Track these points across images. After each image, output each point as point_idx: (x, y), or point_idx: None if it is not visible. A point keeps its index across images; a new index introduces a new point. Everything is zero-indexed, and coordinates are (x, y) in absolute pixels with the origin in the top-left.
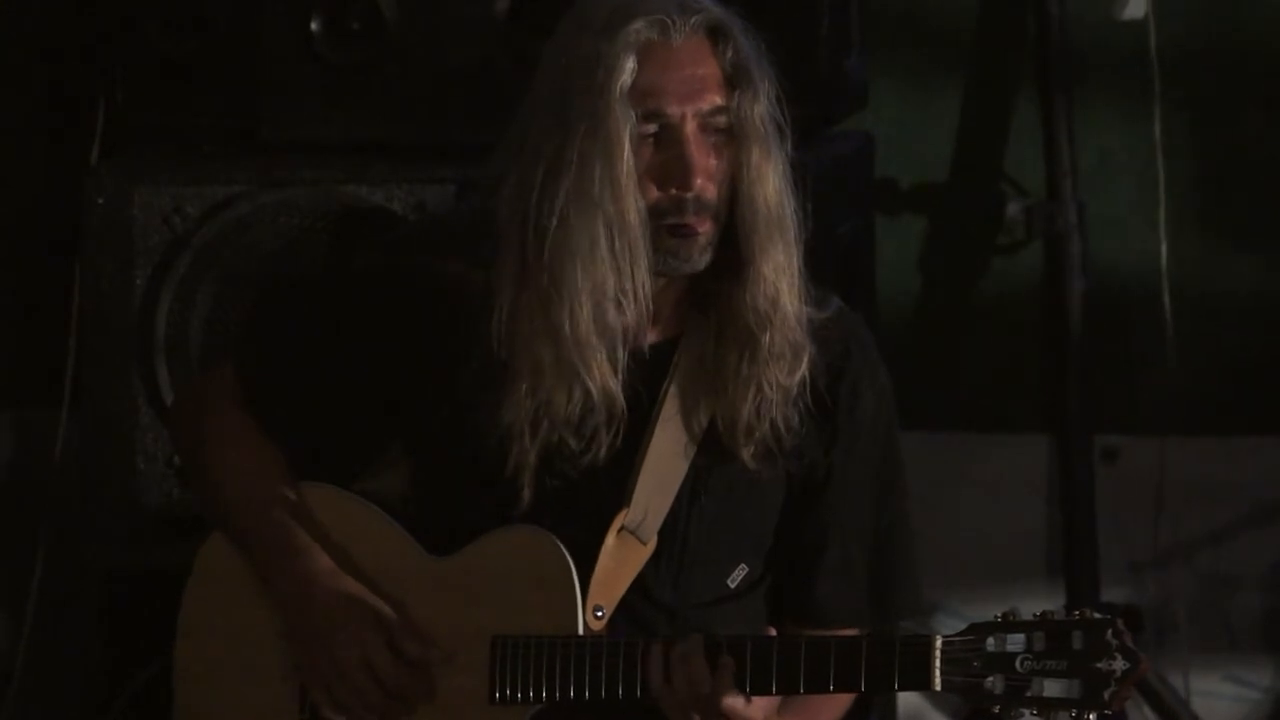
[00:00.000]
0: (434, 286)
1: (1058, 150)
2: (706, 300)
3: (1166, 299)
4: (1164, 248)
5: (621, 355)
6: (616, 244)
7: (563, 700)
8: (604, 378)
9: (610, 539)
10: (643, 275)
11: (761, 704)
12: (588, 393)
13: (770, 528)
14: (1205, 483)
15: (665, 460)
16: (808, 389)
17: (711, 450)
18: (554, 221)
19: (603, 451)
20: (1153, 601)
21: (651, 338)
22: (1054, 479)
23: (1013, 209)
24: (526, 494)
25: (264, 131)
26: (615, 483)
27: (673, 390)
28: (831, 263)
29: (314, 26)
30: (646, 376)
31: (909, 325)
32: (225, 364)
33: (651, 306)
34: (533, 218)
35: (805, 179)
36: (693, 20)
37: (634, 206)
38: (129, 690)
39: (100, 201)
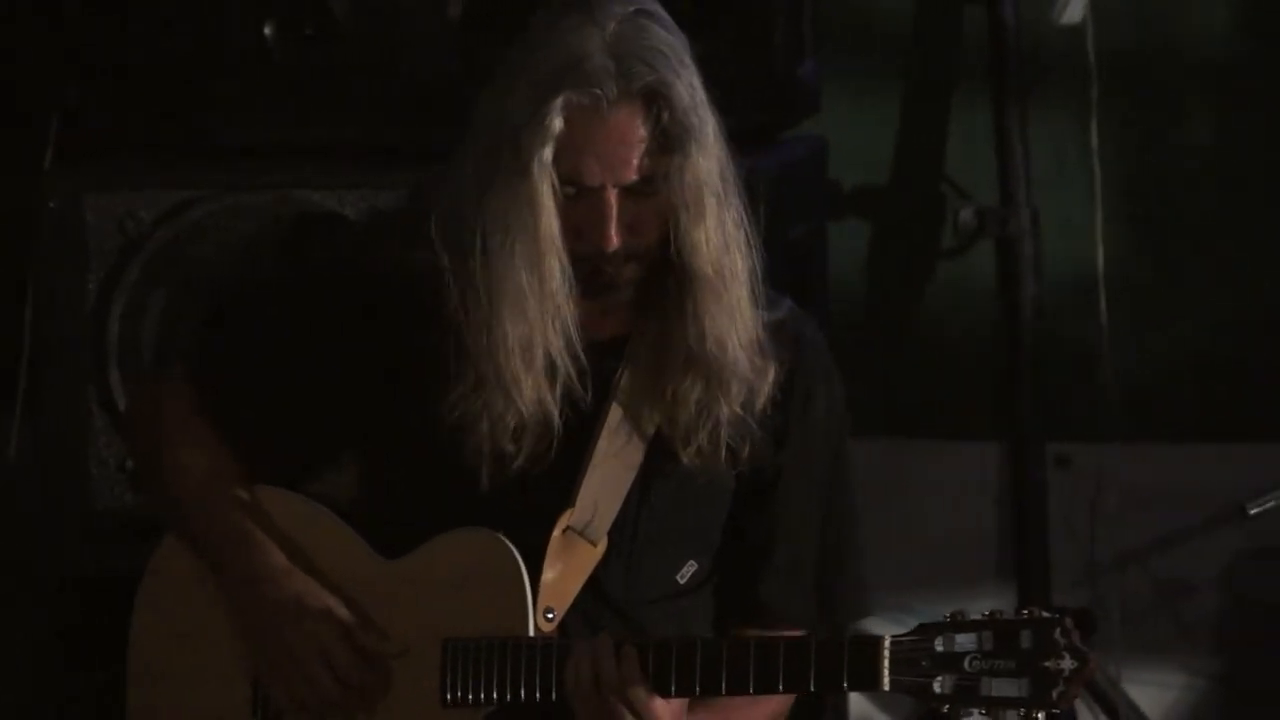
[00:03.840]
0: (384, 286)
1: (1010, 154)
2: (656, 300)
3: (1103, 304)
4: (1100, 253)
5: (562, 370)
6: (540, 296)
7: (514, 702)
8: (536, 400)
9: (554, 539)
10: (566, 319)
11: (671, 703)
12: (520, 413)
13: (719, 525)
14: (1156, 488)
15: (613, 459)
16: (779, 369)
17: (661, 448)
18: (484, 263)
19: (540, 462)
20: (1104, 605)
21: (599, 335)
22: (1006, 484)
23: (965, 213)
24: (474, 495)
25: (217, 136)
26: (561, 483)
27: (621, 389)
28: (784, 268)
29: (268, 31)
30: (593, 374)
31: (861, 331)
32: (179, 367)
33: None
34: (467, 252)
35: (758, 185)
36: (627, 87)
37: (555, 265)
38: (83, 694)
39: (53, 206)
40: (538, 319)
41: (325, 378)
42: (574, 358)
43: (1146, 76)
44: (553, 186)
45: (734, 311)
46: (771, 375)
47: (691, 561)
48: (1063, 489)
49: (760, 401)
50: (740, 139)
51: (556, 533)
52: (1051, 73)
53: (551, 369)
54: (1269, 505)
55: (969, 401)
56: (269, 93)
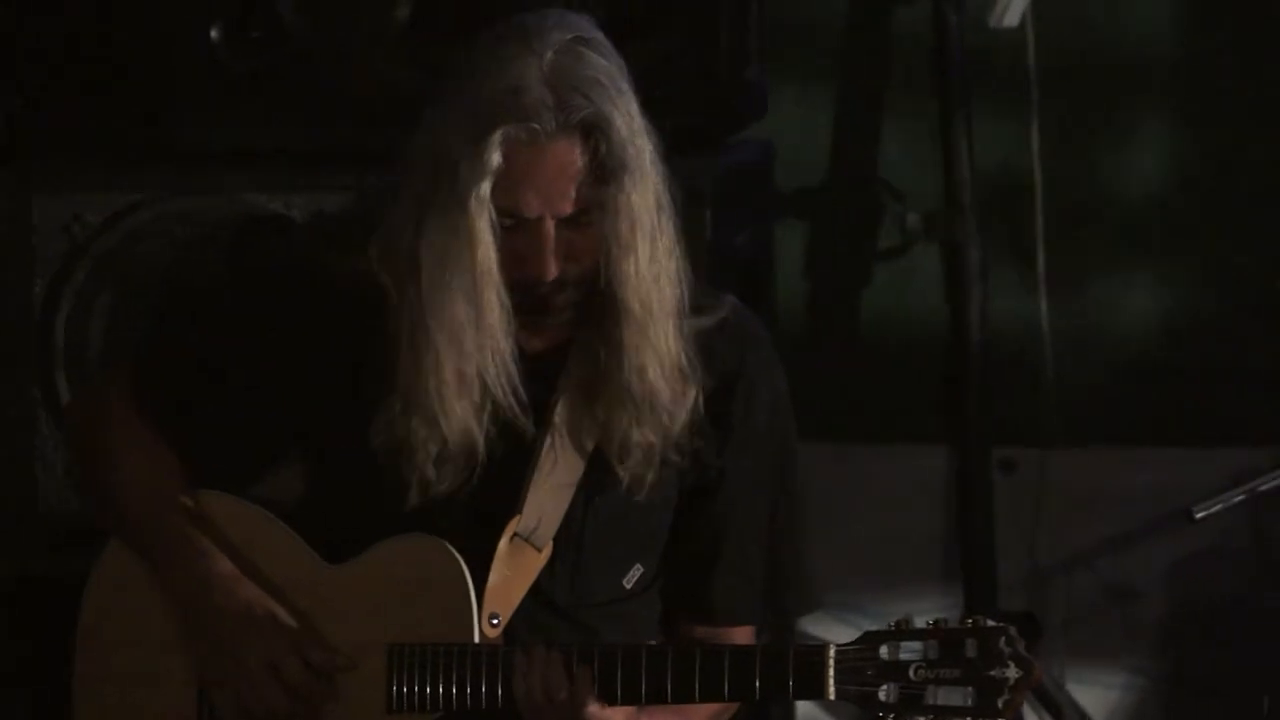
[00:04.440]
0: (328, 295)
1: (954, 158)
2: (591, 319)
3: (1045, 308)
4: (1042, 257)
5: (500, 400)
6: (478, 328)
7: (459, 709)
8: (463, 430)
9: (502, 546)
10: (504, 351)
11: (620, 711)
12: (444, 441)
13: (664, 528)
14: (1101, 491)
15: (557, 466)
16: (700, 393)
17: (601, 462)
18: (421, 293)
19: (465, 486)
20: (1050, 608)
21: (541, 343)
22: (951, 488)
23: (910, 217)
24: (418, 501)
25: (164, 139)
26: (507, 490)
27: (563, 399)
28: (731, 272)
29: (214, 34)
30: (536, 383)
31: (807, 335)
32: (124, 370)
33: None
34: (405, 278)
35: (704, 189)
36: (565, 120)
37: (493, 299)
38: (28, 699)
39: None
40: (474, 351)
41: (269, 382)
42: (512, 389)
43: (1086, 79)
44: (490, 219)
45: (658, 343)
46: (692, 396)
47: (637, 565)
48: (1008, 492)
49: (680, 423)
50: (687, 143)
51: (504, 539)
52: (992, 76)
53: (485, 399)
54: (1214, 508)
55: (914, 405)
56: (216, 96)
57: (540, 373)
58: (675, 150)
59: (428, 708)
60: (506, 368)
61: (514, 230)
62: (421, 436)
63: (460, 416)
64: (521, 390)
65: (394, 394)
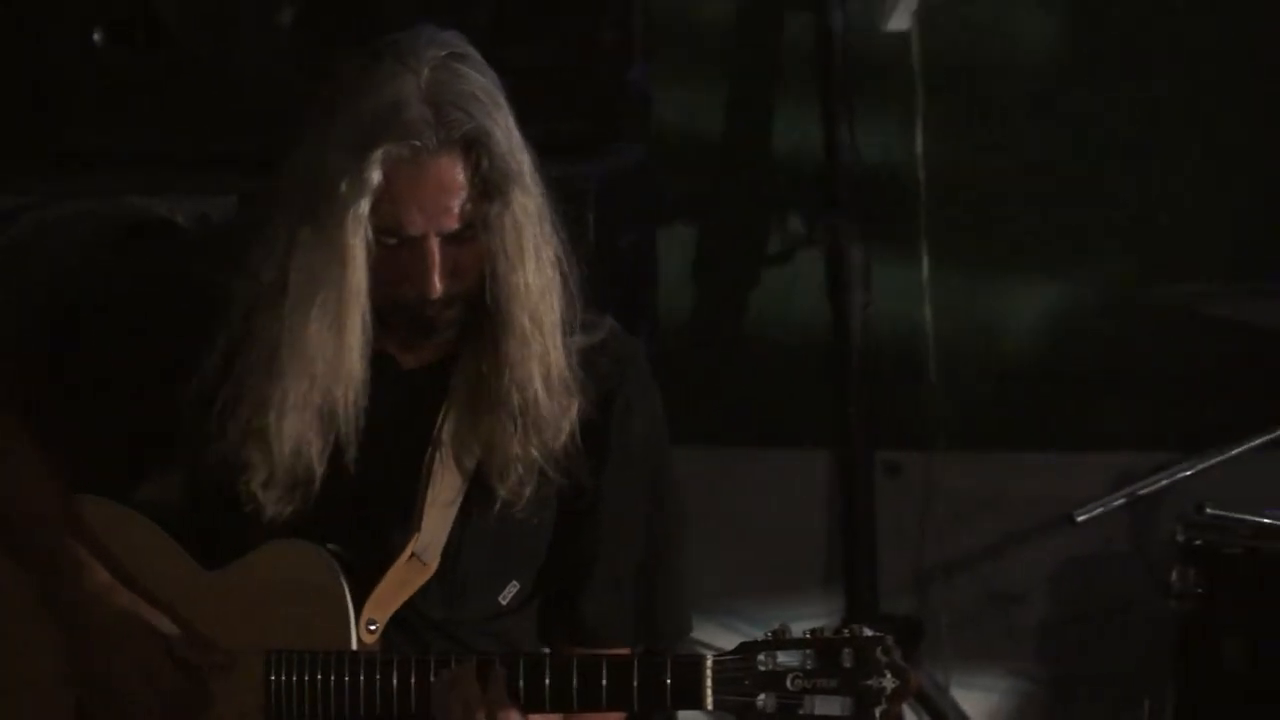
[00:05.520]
0: (205, 300)
1: (838, 161)
2: (475, 334)
3: (929, 312)
4: (925, 260)
5: (345, 419)
6: (336, 350)
7: (337, 714)
8: (295, 449)
9: (401, 562)
10: (357, 381)
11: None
12: (272, 469)
13: (542, 546)
14: (984, 496)
15: (445, 482)
16: (577, 415)
17: (481, 480)
18: (284, 313)
19: (302, 510)
20: (932, 611)
21: (423, 360)
22: (836, 491)
23: (794, 221)
24: (291, 512)
25: (47, 143)
26: (402, 505)
27: (448, 415)
28: (613, 276)
29: (97, 37)
30: (420, 400)
31: (690, 338)
32: (2, 373)
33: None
34: (265, 301)
35: (587, 192)
36: (446, 136)
37: (357, 322)
38: None
39: None
40: (327, 374)
41: (145, 390)
42: (356, 417)
43: (971, 83)
44: (367, 239)
45: (542, 356)
46: (576, 411)
47: (514, 582)
48: (892, 496)
49: (564, 438)
50: (570, 146)
51: (404, 555)
52: (878, 80)
53: (330, 427)
54: (1096, 512)
55: (799, 408)
56: (99, 99)
57: (425, 389)
58: (558, 154)
59: (305, 713)
60: (360, 392)
61: (397, 249)
62: (249, 459)
63: (294, 439)
64: (393, 406)
65: (234, 413)
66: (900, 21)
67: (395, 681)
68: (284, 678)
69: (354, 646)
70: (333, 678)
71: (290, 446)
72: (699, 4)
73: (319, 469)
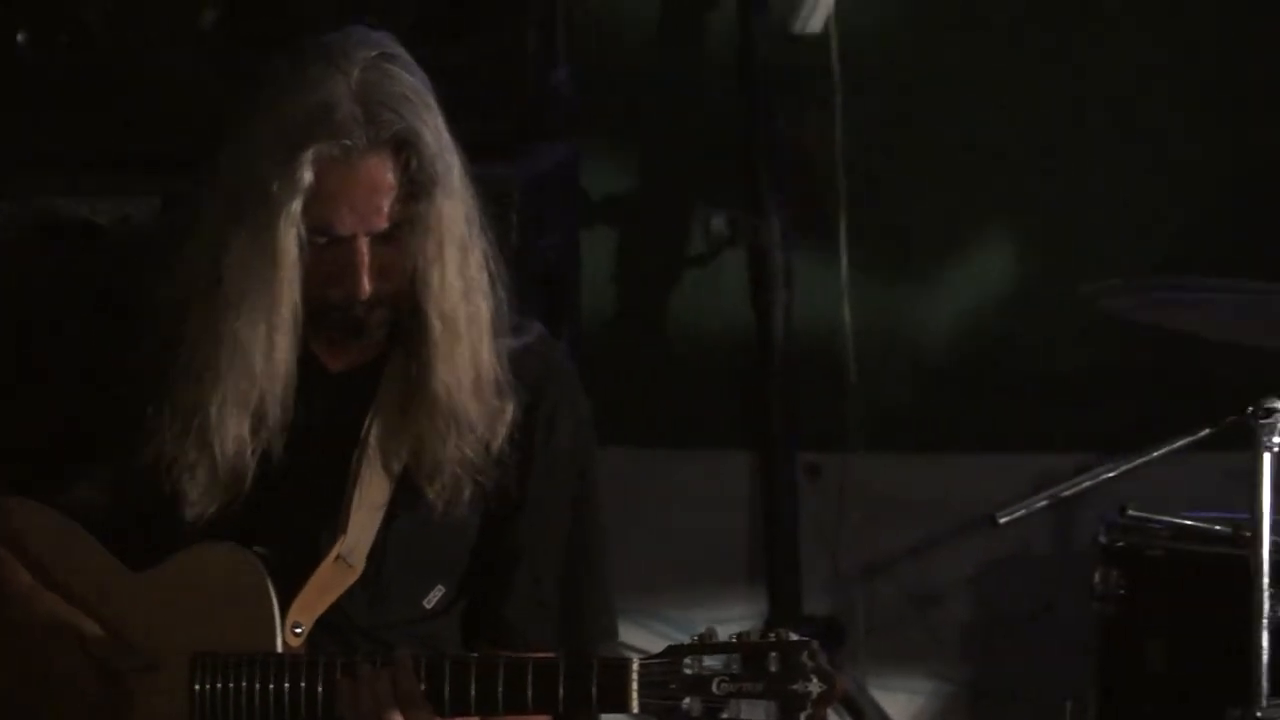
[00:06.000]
0: (128, 301)
1: (759, 163)
2: (404, 336)
3: (848, 315)
4: (845, 262)
5: (274, 419)
6: (267, 349)
7: (263, 718)
8: (234, 455)
9: (327, 565)
10: (288, 372)
11: None
12: (214, 469)
13: (467, 550)
14: (905, 497)
15: (372, 485)
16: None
17: (409, 483)
18: (216, 313)
19: (232, 512)
20: (853, 612)
21: (351, 362)
22: (757, 493)
23: (716, 222)
24: (204, 517)
25: None
26: (328, 508)
27: (376, 418)
28: (537, 277)
29: (20, 39)
30: (348, 402)
31: (613, 339)
32: None
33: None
34: (199, 302)
35: (511, 194)
36: (376, 135)
37: (288, 316)
38: None
39: None
40: (261, 374)
41: (66, 392)
42: (283, 417)
43: (888, 84)
44: (299, 238)
45: (469, 357)
46: (510, 413)
47: (439, 586)
48: (813, 498)
49: (499, 440)
50: (493, 148)
51: (329, 558)
52: (797, 82)
53: (274, 422)
54: (1018, 514)
55: (720, 410)
56: (22, 100)
57: (353, 392)
58: (481, 155)
59: (230, 715)
60: (290, 390)
61: (327, 249)
62: (190, 459)
63: (235, 439)
64: (319, 408)
65: (173, 414)
66: (817, 24)
67: (320, 684)
68: (208, 680)
69: (279, 649)
70: (257, 680)
71: (231, 446)
72: (621, 6)
73: (253, 468)
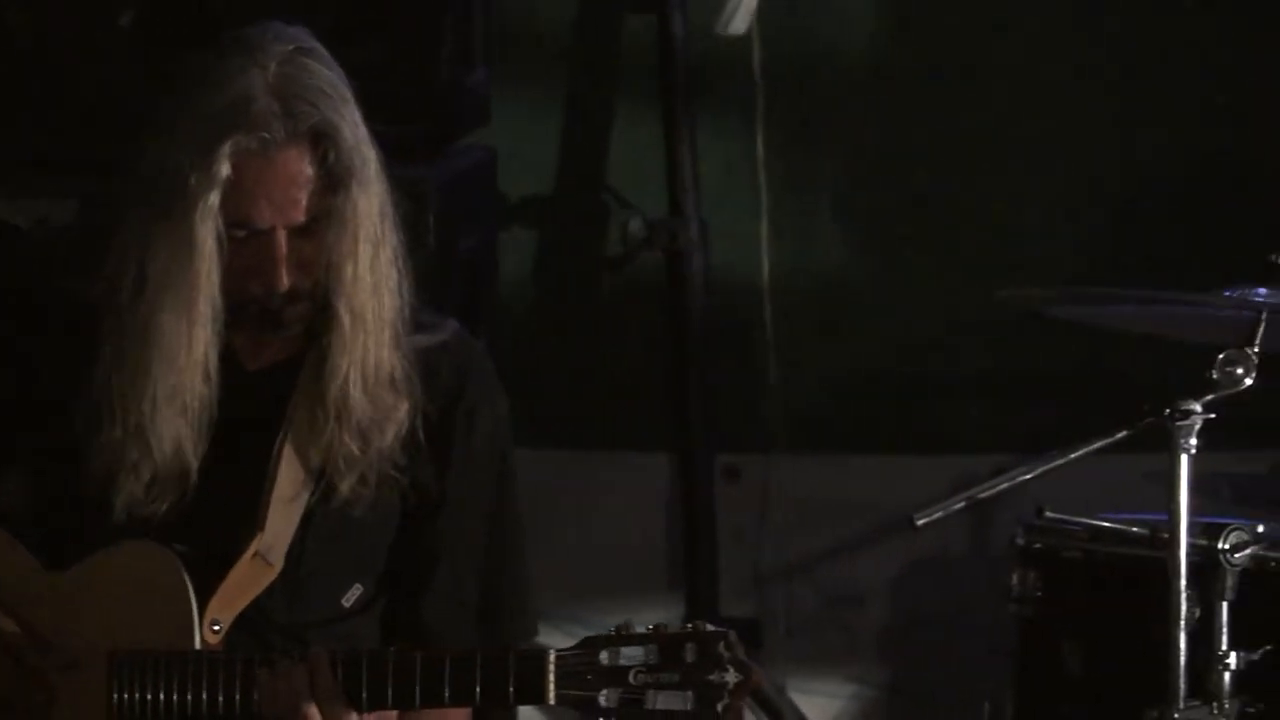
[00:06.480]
0: (48, 307)
1: (679, 165)
2: (321, 331)
3: (768, 317)
4: (765, 265)
5: (206, 418)
6: (190, 342)
7: (180, 716)
8: (175, 451)
9: (244, 562)
10: (210, 365)
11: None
12: (155, 465)
13: (385, 549)
14: (824, 499)
15: (291, 482)
16: (419, 417)
17: (325, 479)
18: (139, 308)
19: (181, 499)
20: (772, 615)
21: (271, 358)
22: (675, 495)
23: (634, 224)
24: (131, 516)
25: None
26: (246, 505)
27: (297, 414)
28: (455, 279)
29: None
30: (268, 398)
31: (531, 341)
32: None
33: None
34: (125, 299)
35: (428, 195)
36: (294, 128)
37: (206, 310)
38: None
39: None
40: (186, 368)
41: None
42: (202, 413)
43: (811, 86)
44: (218, 231)
45: (371, 352)
46: (405, 410)
47: (357, 585)
48: (731, 500)
49: (389, 438)
50: (410, 148)
51: (246, 556)
52: (718, 83)
53: (198, 418)
54: (935, 516)
55: (638, 412)
56: None
57: (272, 388)
58: (399, 155)
59: (148, 713)
60: (212, 385)
61: (245, 242)
62: (132, 460)
63: (172, 438)
64: (237, 406)
65: (110, 414)
66: (740, 25)
67: (238, 681)
68: (126, 678)
69: (197, 646)
70: (175, 678)
71: (170, 445)
72: (540, 6)
73: (196, 461)
